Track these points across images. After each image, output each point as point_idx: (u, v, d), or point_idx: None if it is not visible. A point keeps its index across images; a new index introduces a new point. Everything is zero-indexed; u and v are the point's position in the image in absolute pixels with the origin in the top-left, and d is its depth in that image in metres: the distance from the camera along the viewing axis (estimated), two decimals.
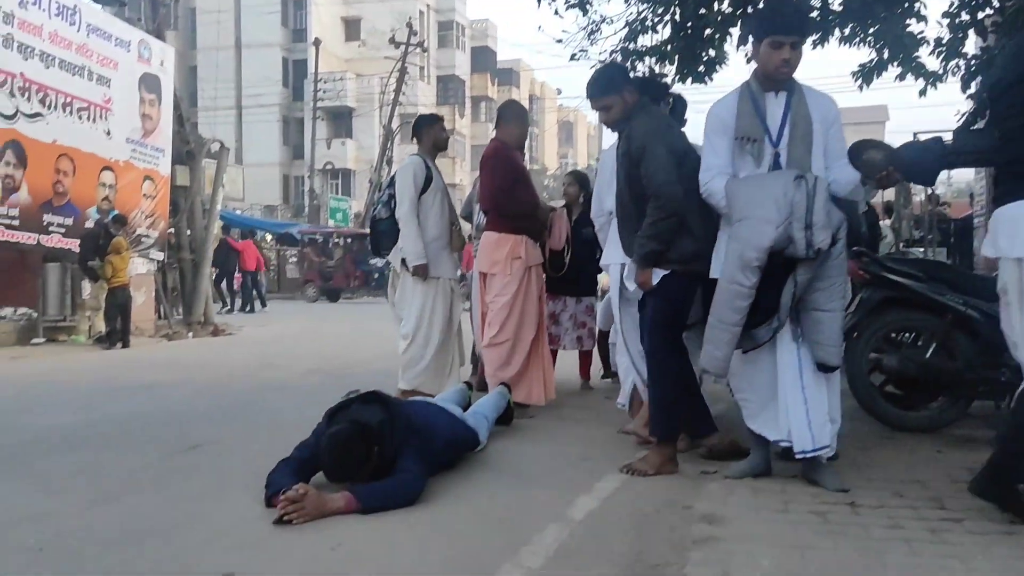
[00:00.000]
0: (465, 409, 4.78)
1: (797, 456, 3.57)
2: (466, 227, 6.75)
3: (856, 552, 2.78)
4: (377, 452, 3.60)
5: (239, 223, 26.48)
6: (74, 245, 11.61)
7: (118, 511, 3.48)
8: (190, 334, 13.02)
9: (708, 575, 2.58)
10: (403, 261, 5.85)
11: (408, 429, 3.74)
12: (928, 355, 4.77)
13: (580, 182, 7.03)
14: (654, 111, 4.18)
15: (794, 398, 3.55)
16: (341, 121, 44.52)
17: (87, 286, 11.80)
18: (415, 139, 6.05)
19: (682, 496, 3.64)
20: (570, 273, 6.37)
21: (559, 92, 68.12)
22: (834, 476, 3.62)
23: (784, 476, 3.76)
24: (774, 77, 3.61)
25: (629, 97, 4.09)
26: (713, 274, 3.76)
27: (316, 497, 3.34)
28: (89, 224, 11.96)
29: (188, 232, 14.20)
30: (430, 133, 5.99)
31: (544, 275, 5.95)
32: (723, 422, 4.60)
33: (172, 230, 13.98)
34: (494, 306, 5.62)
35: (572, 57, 8.10)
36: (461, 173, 45.71)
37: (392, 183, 5.95)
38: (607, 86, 4.12)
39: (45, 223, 11.45)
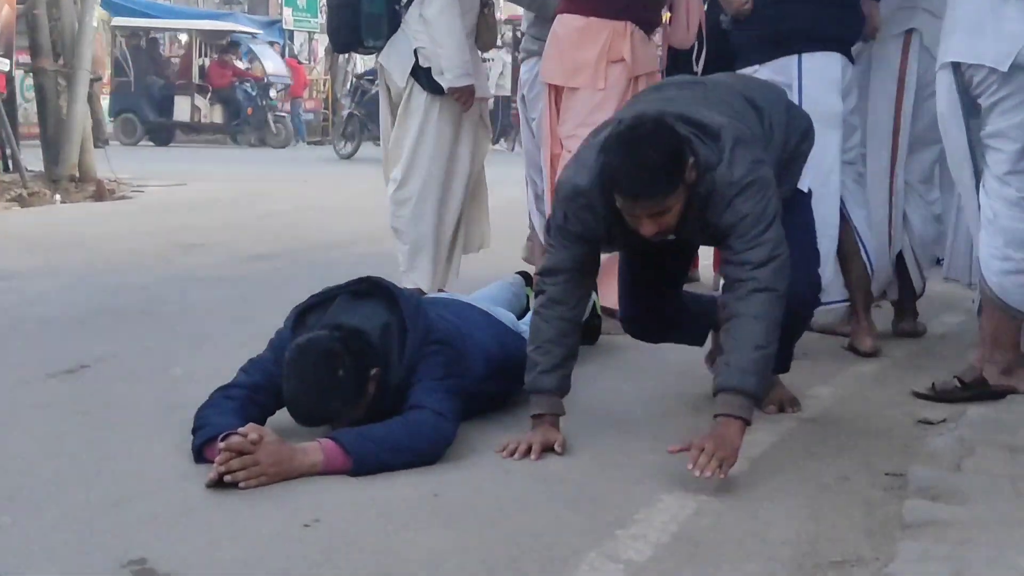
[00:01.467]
0: (522, 315, 4.84)
1: None
2: None
3: None
4: (376, 376, 3.70)
5: (136, 11, 26.78)
6: None
7: None
8: (57, 196, 13.17)
9: None
10: (414, 71, 5.81)
11: (428, 340, 3.82)
12: None
13: None
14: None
15: None
16: None
17: None
18: None
19: (884, 459, 3.71)
20: None
21: None
22: None
23: None
24: None
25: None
26: None
27: (277, 447, 3.44)
28: None
29: (51, 26, 14.24)
30: None
31: None
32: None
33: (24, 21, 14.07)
34: (573, 143, 5.60)
35: None
36: None
37: None
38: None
39: None
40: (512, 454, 3.59)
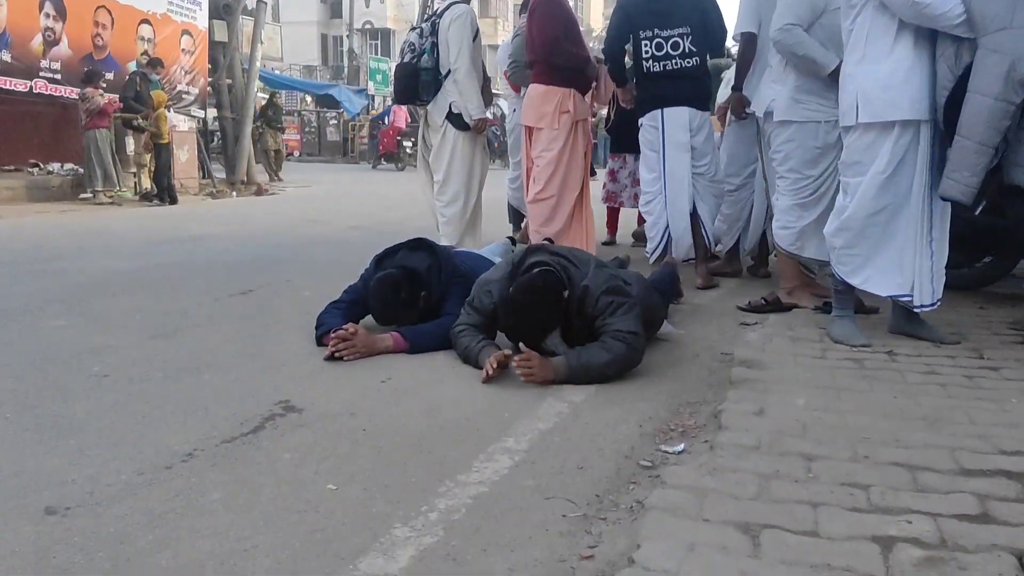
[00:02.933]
0: None
1: (915, 309, 3.55)
2: None
3: (890, 393, 2.86)
4: (424, 296, 3.73)
5: (278, 83, 26.29)
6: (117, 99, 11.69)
7: (175, 346, 3.66)
8: (233, 193, 13.19)
9: (743, 410, 2.67)
10: (448, 116, 5.81)
11: (454, 275, 3.85)
12: (977, 213, 4.73)
13: None
14: None
15: (921, 251, 3.48)
16: None
17: (131, 142, 11.94)
18: None
19: (721, 344, 3.78)
20: (628, 128, 6.43)
21: None
22: (936, 330, 3.66)
23: (823, 326, 3.83)
24: None
25: None
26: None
27: (366, 336, 3.49)
28: None
29: (229, 91, 14.19)
30: None
31: (590, 133, 5.93)
32: None
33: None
34: (540, 161, 5.62)
35: None
36: (504, 34, 44.61)
37: (434, 30, 5.84)
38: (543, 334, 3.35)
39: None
40: (490, 370, 3.18)
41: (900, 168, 3.43)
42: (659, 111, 5.13)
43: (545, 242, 4.01)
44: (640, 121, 5.32)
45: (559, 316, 3.23)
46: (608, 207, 7.40)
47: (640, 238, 7.13)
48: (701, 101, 5.15)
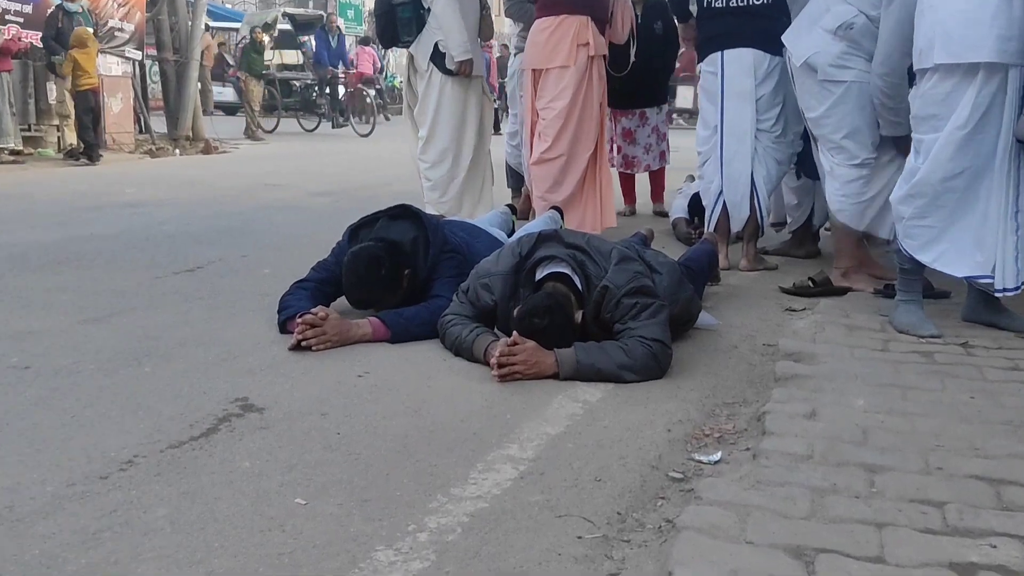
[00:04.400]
0: (509, 234, 4.86)
1: (996, 294, 3.54)
2: None
3: (967, 393, 2.86)
4: (408, 275, 3.72)
5: (225, 14, 26.25)
6: (36, 39, 11.61)
7: (110, 331, 3.65)
8: (176, 151, 13.16)
9: (792, 412, 2.67)
10: (432, 58, 5.79)
11: (444, 249, 3.85)
12: None
13: None
14: None
15: (1006, 224, 3.47)
16: None
17: (54, 88, 11.88)
18: None
19: (763, 333, 3.77)
20: (646, 77, 6.38)
21: None
22: (1020, 318, 3.65)
23: (885, 315, 3.82)
24: None
25: None
26: None
27: (338, 322, 3.48)
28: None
29: (171, 28, 14.12)
30: None
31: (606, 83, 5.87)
32: None
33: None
34: (547, 114, 5.57)
35: None
36: None
37: None
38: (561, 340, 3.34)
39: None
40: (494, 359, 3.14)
41: (983, 123, 3.41)
42: (719, 54, 5.00)
43: (558, 230, 3.96)
44: (699, 67, 5.27)
45: (573, 334, 3.23)
46: (621, 173, 7.35)
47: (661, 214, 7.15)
48: (772, 43, 4.87)
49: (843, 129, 4.32)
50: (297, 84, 21.23)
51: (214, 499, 2.19)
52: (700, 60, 5.23)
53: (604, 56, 5.71)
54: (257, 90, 17.21)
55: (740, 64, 4.95)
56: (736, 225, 5.10)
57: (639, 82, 6.57)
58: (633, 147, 7.18)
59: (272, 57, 21.10)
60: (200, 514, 2.11)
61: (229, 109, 22.28)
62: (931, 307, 3.81)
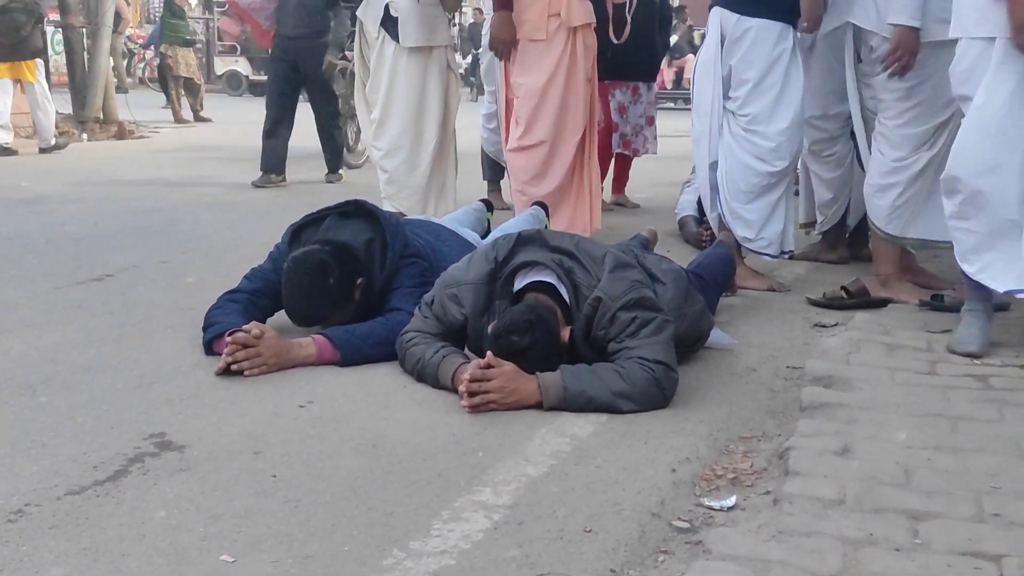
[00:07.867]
0: (484, 235, 4.86)
1: None
2: None
3: None
4: (361, 285, 3.72)
5: None
6: None
7: None
8: (84, 136, 13.10)
9: (821, 448, 2.67)
10: (383, 23, 5.77)
11: (405, 254, 3.85)
12: None
13: None
14: None
15: None
16: None
17: None
18: None
19: (787, 353, 3.78)
20: (643, 45, 6.44)
21: None
22: None
23: (932, 331, 3.84)
24: None
25: None
26: None
27: (276, 342, 3.46)
28: None
29: None
30: None
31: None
32: None
33: None
34: (520, 91, 5.57)
35: None
36: None
37: None
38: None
39: None
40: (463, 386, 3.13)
41: None
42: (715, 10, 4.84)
43: (542, 230, 3.94)
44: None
45: (559, 355, 3.22)
46: (618, 155, 7.41)
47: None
48: (747, 3, 4.68)
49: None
50: None
51: (120, 556, 2.16)
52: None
53: (590, 24, 5.67)
54: (190, 59, 17.18)
55: (711, 27, 4.87)
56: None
57: (635, 52, 6.69)
58: (627, 124, 7.27)
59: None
60: (104, 574, 2.09)
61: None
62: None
